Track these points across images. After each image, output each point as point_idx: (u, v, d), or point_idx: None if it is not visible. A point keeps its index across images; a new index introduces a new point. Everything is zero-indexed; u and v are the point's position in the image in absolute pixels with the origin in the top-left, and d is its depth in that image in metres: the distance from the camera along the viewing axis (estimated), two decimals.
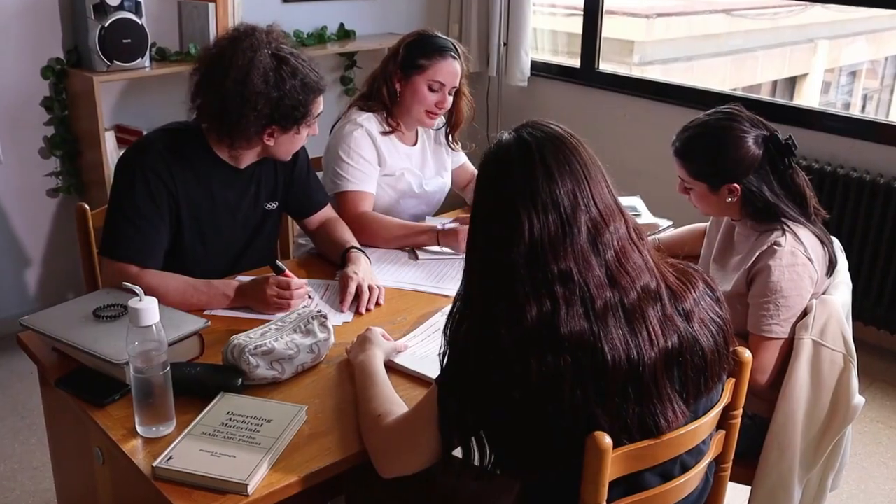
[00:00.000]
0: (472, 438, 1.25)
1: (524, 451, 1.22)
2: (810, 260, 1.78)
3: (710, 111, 1.88)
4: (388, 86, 2.35)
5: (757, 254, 1.80)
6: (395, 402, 1.44)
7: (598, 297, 1.17)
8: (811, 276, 1.78)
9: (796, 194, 1.84)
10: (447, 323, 1.27)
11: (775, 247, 1.77)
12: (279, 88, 1.85)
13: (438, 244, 2.26)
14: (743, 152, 1.80)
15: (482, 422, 1.23)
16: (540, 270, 1.17)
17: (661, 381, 1.20)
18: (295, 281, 1.86)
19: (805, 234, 1.81)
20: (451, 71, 2.34)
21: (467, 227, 1.29)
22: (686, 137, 1.87)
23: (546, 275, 1.17)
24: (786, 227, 1.80)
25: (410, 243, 2.28)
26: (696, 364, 1.24)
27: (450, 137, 2.56)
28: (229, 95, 1.83)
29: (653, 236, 2.26)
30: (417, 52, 2.33)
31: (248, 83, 1.82)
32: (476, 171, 2.65)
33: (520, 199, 1.19)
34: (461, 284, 1.27)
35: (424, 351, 1.70)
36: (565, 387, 1.15)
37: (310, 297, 1.90)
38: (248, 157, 1.98)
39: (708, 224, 2.13)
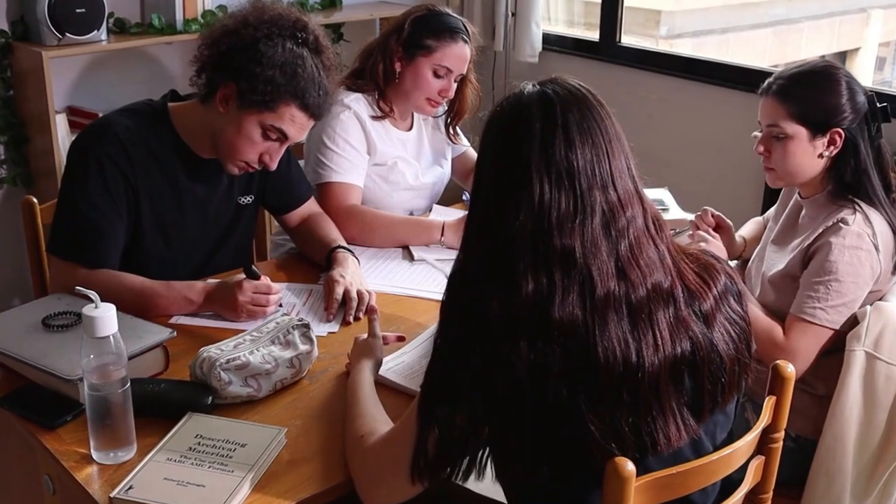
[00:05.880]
0: (452, 433, 1.25)
1: (505, 446, 1.23)
2: (876, 248, 1.80)
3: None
4: (387, 64, 2.35)
5: (820, 230, 1.83)
6: (382, 420, 1.45)
7: (601, 287, 1.18)
8: (873, 267, 1.80)
9: (882, 168, 1.89)
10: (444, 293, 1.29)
11: (841, 224, 1.80)
12: (266, 49, 1.80)
13: (441, 242, 2.27)
14: (852, 94, 1.85)
15: (462, 414, 1.23)
16: (542, 244, 1.18)
17: (664, 392, 1.20)
18: (273, 286, 1.86)
19: (877, 218, 1.83)
20: (460, 56, 2.34)
21: None
22: (790, 76, 1.90)
23: (547, 250, 1.18)
24: (857, 207, 1.83)
25: (409, 241, 2.29)
26: (714, 373, 1.25)
27: (450, 129, 2.57)
28: (226, 26, 1.86)
29: (740, 237, 2.29)
30: (425, 30, 2.33)
31: (249, 21, 1.83)
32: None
33: (534, 163, 1.20)
34: (460, 250, 1.28)
35: (421, 367, 1.69)
36: (551, 380, 1.17)
37: (280, 304, 1.90)
38: (206, 142, 1.94)
39: (767, 213, 2.17)
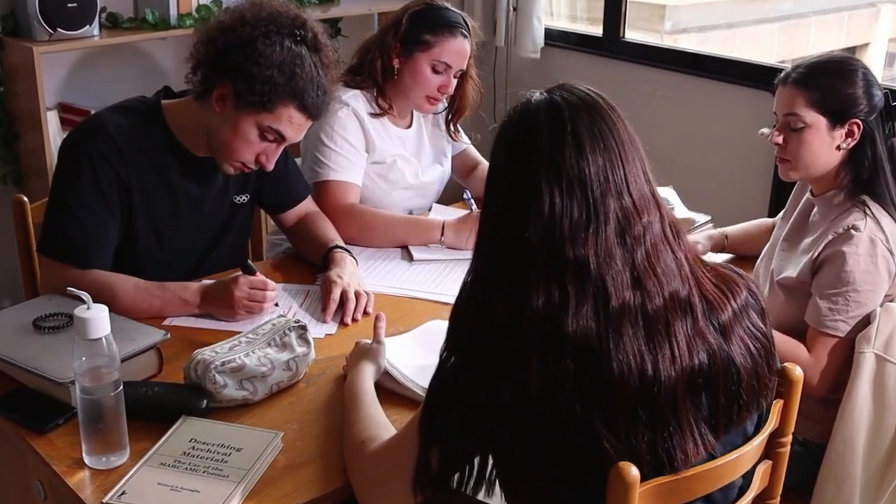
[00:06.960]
0: (457, 447, 1.25)
1: (511, 461, 1.23)
2: (891, 252, 1.80)
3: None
4: (385, 60, 2.35)
5: (829, 237, 1.83)
6: (383, 425, 1.44)
7: (615, 298, 1.17)
8: (890, 271, 1.81)
9: (895, 167, 1.89)
10: (454, 304, 1.28)
11: (853, 231, 1.80)
12: (264, 47, 1.79)
13: (441, 241, 2.27)
14: (868, 86, 1.86)
15: (467, 426, 1.23)
16: (554, 256, 1.17)
17: (681, 406, 1.19)
18: (270, 283, 1.86)
19: (888, 222, 1.84)
20: (459, 51, 2.34)
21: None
22: (808, 65, 1.91)
23: (559, 262, 1.17)
24: (867, 211, 1.83)
25: (409, 240, 2.28)
26: (730, 389, 1.23)
27: (451, 126, 2.57)
28: (223, 23, 1.84)
29: (718, 231, 2.30)
30: (423, 25, 2.33)
31: (247, 19, 1.82)
32: (480, 158, 2.68)
33: (544, 172, 1.19)
34: (471, 262, 1.28)
35: (423, 361, 1.67)
36: (564, 395, 1.15)
37: (276, 304, 1.90)
38: (200, 141, 1.93)
39: (778, 216, 2.17)
